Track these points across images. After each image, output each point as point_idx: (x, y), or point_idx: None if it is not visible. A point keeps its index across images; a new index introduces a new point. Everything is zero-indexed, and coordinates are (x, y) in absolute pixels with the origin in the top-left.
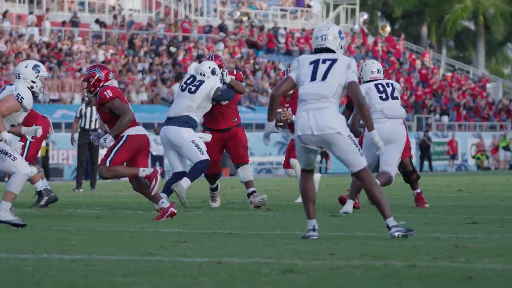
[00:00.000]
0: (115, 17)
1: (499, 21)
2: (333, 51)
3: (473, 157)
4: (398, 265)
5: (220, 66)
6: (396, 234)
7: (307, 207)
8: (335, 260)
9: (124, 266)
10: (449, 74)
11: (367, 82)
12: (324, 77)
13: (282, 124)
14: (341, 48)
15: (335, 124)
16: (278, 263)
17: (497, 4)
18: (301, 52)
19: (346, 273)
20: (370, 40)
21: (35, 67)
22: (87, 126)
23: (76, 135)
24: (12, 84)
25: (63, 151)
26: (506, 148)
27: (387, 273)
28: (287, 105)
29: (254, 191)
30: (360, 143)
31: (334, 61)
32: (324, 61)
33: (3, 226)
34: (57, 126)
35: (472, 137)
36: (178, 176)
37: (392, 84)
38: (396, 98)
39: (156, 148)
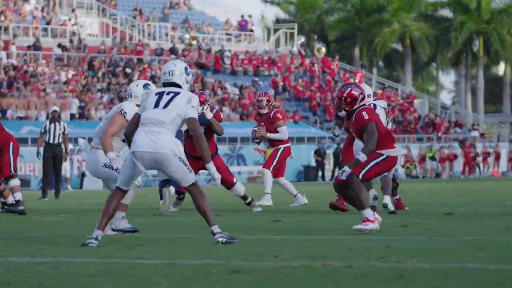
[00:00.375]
0: (71, 41)
1: (424, 44)
2: (179, 86)
3: (402, 166)
4: (336, 265)
5: (203, 102)
6: (219, 239)
7: (102, 219)
8: (278, 261)
9: (86, 268)
10: (380, 91)
11: None
12: (165, 106)
13: (258, 141)
14: (187, 83)
15: (169, 146)
16: (226, 264)
17: (422, 28)
18: (245, 72)
19: (288, 273)
20: (308, 61)
21: (145, 86)
22: (51, 141)
23: (41, 149)
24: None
25: (30, 164)
26: (432, 158)
27: (325, 273)
28: (262, 123)
29: (251, 201)
30: None
31: (176, 93)
32: (168, 93)
33: None
34: (24, 141)
35: (401, 148)
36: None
37: (375, 104)
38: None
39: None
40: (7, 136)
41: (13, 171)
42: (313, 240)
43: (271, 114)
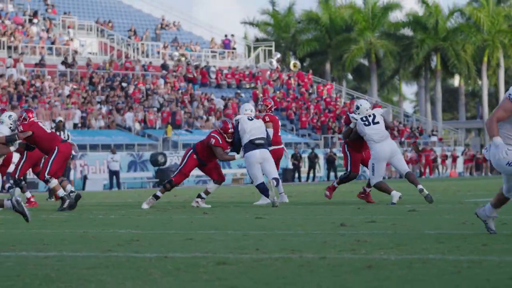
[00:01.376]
0: (74, 59)
1: (388, 59)
2: None
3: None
4: (311, 257)
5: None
6: None
7: None
8: (259, 254)
9: (88, 261)
10: (348, 101)
11: (364, 118)
12: None
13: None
14: None
15: None
16: (213, 257)
17: (386, 45)
18: (229, 85)
19: (268, 264)
20: (284, 75)
21: None
22: None
23: None
24: None
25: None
26: None
27: (301, 264)
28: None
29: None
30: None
31: None
32: None
33: None
34: None
35: None
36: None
37: (373, 114)
38: (377, 123)
39: (113, 165)
40: (56, 142)
41: (47, 176)
42: (291, 235)
43: (264, 117)
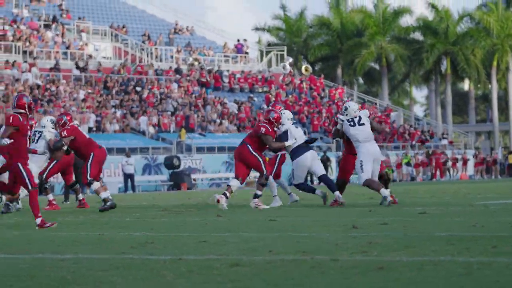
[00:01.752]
0: (87, 63)
1: (399, 63)
2: None
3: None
4: (322, 259)
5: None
6: None
7: None
8: (272, 256)
9: (103, 263)
10: (360, 105)
11: (350, 119)
12: None
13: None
14: None
15: None
16: (226, 259)
17: (397, 49)
18: (242, 89)
19: (281, 266)
20: (297, 79)
21: None
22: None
23: None
24: None
25: None
26: (407, 164)
27: (313, 266)
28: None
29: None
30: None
31: None
32: None
33: (4, 230)
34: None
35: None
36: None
37: (359, 115)
38: (363, 124)
39: (128, 168)
40: (92, 147)
41: (89, 178)
42: (303, 237)
43: None
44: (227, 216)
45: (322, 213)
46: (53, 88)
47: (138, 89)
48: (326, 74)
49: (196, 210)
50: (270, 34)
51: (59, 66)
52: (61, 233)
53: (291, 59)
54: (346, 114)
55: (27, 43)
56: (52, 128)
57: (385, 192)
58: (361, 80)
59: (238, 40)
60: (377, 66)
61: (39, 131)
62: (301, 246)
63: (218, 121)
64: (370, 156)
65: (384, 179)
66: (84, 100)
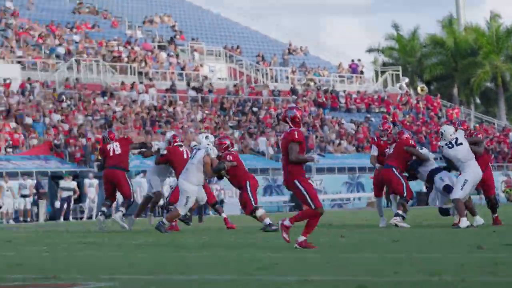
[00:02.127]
0: (202, 84)
1: None
2: None
3: (503, 191)
4: (450, 280)
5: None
6: None
7: None
8: (398, 277)
9: (228, 284)
10: (478, 125)
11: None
12: None
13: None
14: None
15: None
16: (353, 280)
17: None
18: (358, 109)
19: (408, 287)
20: (413, 99)
21: None
22: None
23: None
24: None
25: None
26: None
27: (440, 286)
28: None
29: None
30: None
31: None
32: None
33: (132, 252)
34: None
35: (501, 175)
36: None
37: (456, 137)
38: (461, 144)
39: None
40: (245, 176)
41: (254, 205)
42: (427, 257)
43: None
44: (350, 237)
45: (444, 233)
46: (170, 109)
47: (255, 109)
48: (441, 93)
49: (321, 230)
50: (384, 54)
51: (175, 87)
52: (184, 254)
53: (407, 79)
54: (444, 139)
55: (142, 64)
56: (208, 144)
57: (465, 222)
58: (477, 100)
59: (353, 60)
60: (493, 86)
61: (197, 148)
62: (426, 267)
63: (336, 141)
64: (476, 180)
65: (492, 203)
66: (202, 121)
